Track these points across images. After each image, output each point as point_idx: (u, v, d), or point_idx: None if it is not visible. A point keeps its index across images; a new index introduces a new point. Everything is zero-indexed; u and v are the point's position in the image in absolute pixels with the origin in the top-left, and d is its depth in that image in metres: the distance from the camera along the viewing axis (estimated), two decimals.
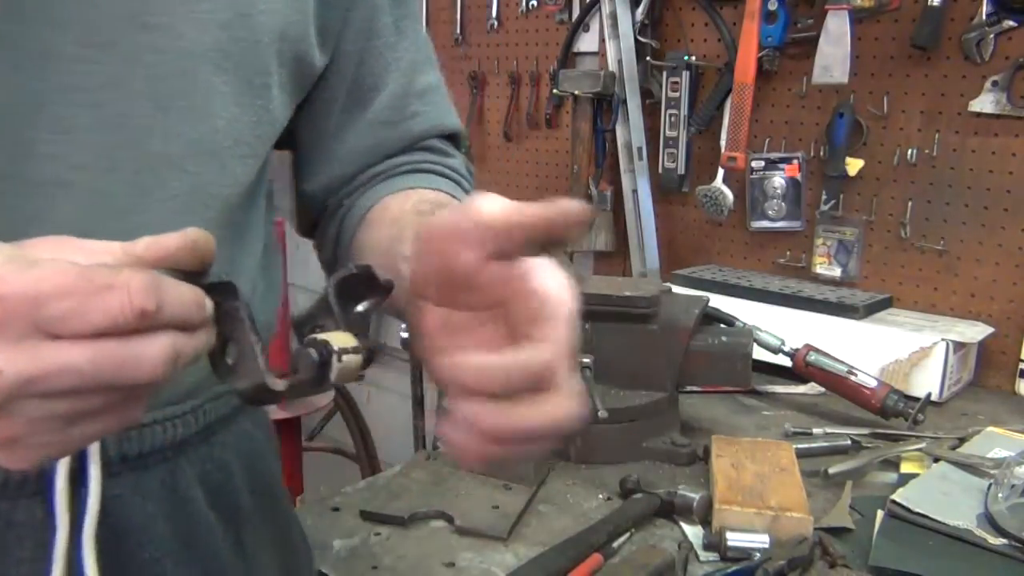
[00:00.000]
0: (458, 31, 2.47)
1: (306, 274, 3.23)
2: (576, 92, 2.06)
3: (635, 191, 2.07)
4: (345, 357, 0.49)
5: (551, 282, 0.48)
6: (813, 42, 1.73)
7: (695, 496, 1.08)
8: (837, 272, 1.84)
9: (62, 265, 0.39)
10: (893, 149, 1.74)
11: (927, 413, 1.35)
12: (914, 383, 1.52)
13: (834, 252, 1.84)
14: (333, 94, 0.77)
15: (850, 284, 1.82)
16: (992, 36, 1.58)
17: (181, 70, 0.61)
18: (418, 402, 1.62)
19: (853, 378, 1.39)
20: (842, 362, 1.41)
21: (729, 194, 1.93)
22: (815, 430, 1.38)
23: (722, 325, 1.38)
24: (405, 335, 1.41)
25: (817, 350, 1.43)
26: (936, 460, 1.20)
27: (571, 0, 2.20)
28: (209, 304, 0.44)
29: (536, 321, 0.47)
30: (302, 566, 0.87)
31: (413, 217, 0.68)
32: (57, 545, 0.59)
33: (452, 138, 0.84)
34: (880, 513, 1.07)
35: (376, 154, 0.79)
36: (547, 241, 0.47)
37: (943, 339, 1.52)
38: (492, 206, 0.47)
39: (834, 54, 1.68)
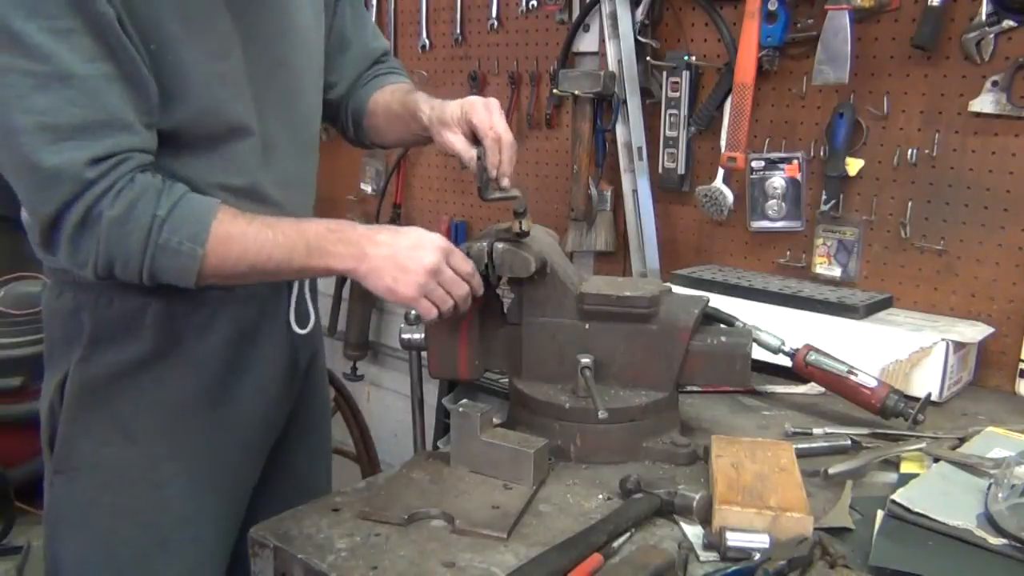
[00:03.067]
0: (458, 31, 2.47)
1: None
2: (576, 92, 2.06)
3: (635, 191, 2.06)
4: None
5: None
6: (813, 42, 1.73)
7: (695, 496, 1.08)
8: (837, 272, 1.84)
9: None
10: (893, 149, 1.74)
11: (927, 413, 1.35)
12: (914, 383, 1.52)
13: (834, 252, 1.84)
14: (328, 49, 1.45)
15: (850, 284, 1.82)
16: (992, 36, 1.58)
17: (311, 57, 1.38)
18: (418, 402, 1.63)
19: (853, 378, 1.39)
20: (842, 362, 1.41)
21: (729, 194, 1.93)
22: (815, 430, 1.38)
23: (722, 325, 1.38)
24: (405, 336, 1.41)
25: (817, 350, 1.43)
26: (936, 460, 1.20)
27: (571, 0, 2.20)
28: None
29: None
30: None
31: (411, 95, 1.42)
32: (295, 287, 1.37)
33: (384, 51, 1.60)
34: (880, 513, 1.07)
35: (363, 66, 1.54)
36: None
37: (943, 339, 1.52)
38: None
39: (834, 54, 1.68)
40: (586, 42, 2.17)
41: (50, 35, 1.01)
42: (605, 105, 2.09)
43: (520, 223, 1.26)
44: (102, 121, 1.05)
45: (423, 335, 1.38)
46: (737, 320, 1.39)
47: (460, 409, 1.21)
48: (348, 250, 1.17)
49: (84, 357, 1.23)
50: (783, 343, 1.44)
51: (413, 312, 1.42)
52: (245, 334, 1.30)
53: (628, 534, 1.05)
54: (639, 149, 2.05)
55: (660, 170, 2.05)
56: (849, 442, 1.30)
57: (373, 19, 2.67)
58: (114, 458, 1.25)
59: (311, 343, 1.46)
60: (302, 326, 1.37)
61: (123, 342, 1.23)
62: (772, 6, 1.75)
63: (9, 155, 1.06)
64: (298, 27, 1.31)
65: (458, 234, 2.59)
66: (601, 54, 2.11)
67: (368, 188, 2.83)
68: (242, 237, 1.13)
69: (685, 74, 1.96)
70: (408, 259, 1.17)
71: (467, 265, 1.22)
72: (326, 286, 3.07)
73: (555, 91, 2.18)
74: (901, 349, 1.54)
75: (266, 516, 1.12)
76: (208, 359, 1.27)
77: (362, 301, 2.88)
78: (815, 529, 1.02)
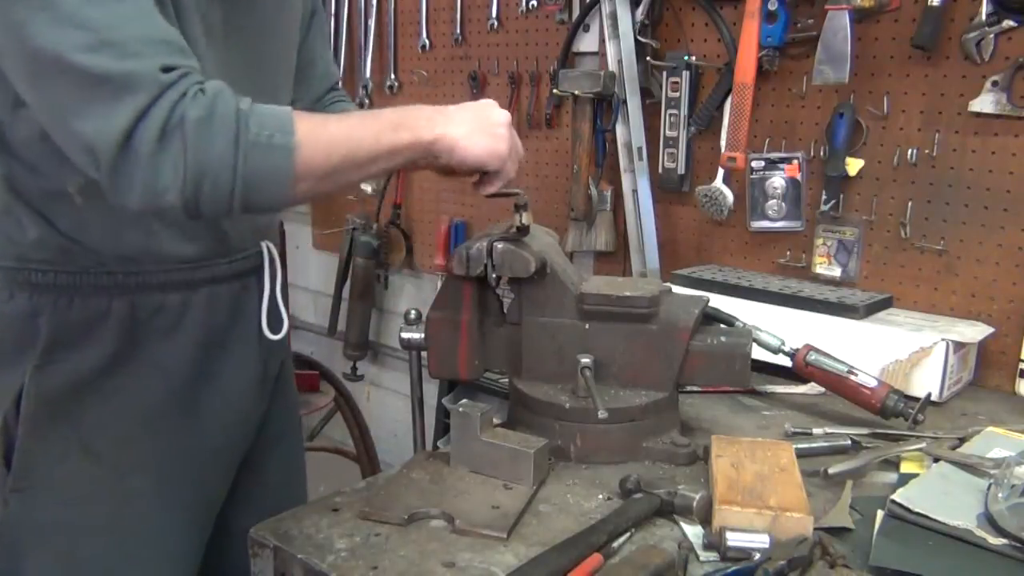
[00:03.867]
0: (458, 31, 2.47)
1: (307, 275, 3.24)
2: (576, 92, 2.06)
3: (635, 191, 2.07)
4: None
5: None
6: (813, 42, 1.73)
7: (695, 496, 1.08)
8: (837, 272, 1.84)
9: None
10: (893, 149, 1.74)
11: (927, 413, 1.35)
12: (914, 383, 1.52)
13: (834, 252, 1.84)
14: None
15: (850, 284, 1.82)
16: (992, 36, 1.58)
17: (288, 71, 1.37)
18: (418, 402, 1.63)
19: (853, 378, 1.39)
20: (842, 362, 1.41)
21: (729, 194, 1.93)
22: (815, 430, 1.38)
23: (722, 325, 1.38)
24: (405, 336, 1.41)
25: (817, 350, 1.43)
26: (936, 460, 1.20)
27: (571, 0, 2.20)
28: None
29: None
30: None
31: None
32: (265, 291, 1.31)
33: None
34: (880, 513, 1.07)
35: (323, 88, 1.51)
36: None
37: (943, 339, 1.52)
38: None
39: (834, 54, 1.68)
40: (586, 42, 2.17)
41: None
42: (605, 105, 2.09)
43: (521, 216, 1.27)
44: (161, 39, 0.97)
45: (423, 335, 1.38)
46: (737, 320, 1.40)
47: (460, 409, 1.21)
48: (431, 121, 1.11)
49: (40, 366, 1.15)
50: (783, 343, 1.44)
51: (413, 312, 1.42)
52: (214, 339, 1.25)
53: (628, 534, 1.05)
54: (639, 149, 2.05)
55: (660, 170, 2.05)
56: (849, 442, 1.30)
57: (373, 19, 2.68)
58: (77, 475, 1.18)
59: (282, 349, 1.41)
60: (275, 331, 1.32)
61: (84, 347, 1.16)
62: (772, 6, 1.75)
63: (60, 80, 0.94)
64: (279, 30, 1.29)
65: (458, 234, 2.59)
66: (601, 54, 2.11)
67: (368, 188, 2.82)
68: (325, 126, 1.05)
69: (685, 74, 1.96)
70: (490, 119, 1.16)
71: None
72: (326, 286, 3.07)
73: (555, 91, 2.19)
74: (901, 349, 1.54)
75: (239, 526, 1.09)
76: (175, 365, 1.22)
77: (362, 301, 2.89)
78: (815, 529, 1.02)
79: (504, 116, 1.17)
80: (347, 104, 1.54)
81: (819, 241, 1.86)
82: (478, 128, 1.14)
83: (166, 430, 1.23)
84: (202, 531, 1.32)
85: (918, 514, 1.04)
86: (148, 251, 1.17)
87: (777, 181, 1.89)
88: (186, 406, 1.24)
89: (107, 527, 1.20)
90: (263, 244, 1.31)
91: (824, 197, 1.81)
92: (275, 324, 1.32)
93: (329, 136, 1.03)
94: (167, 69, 0.95)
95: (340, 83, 1.58)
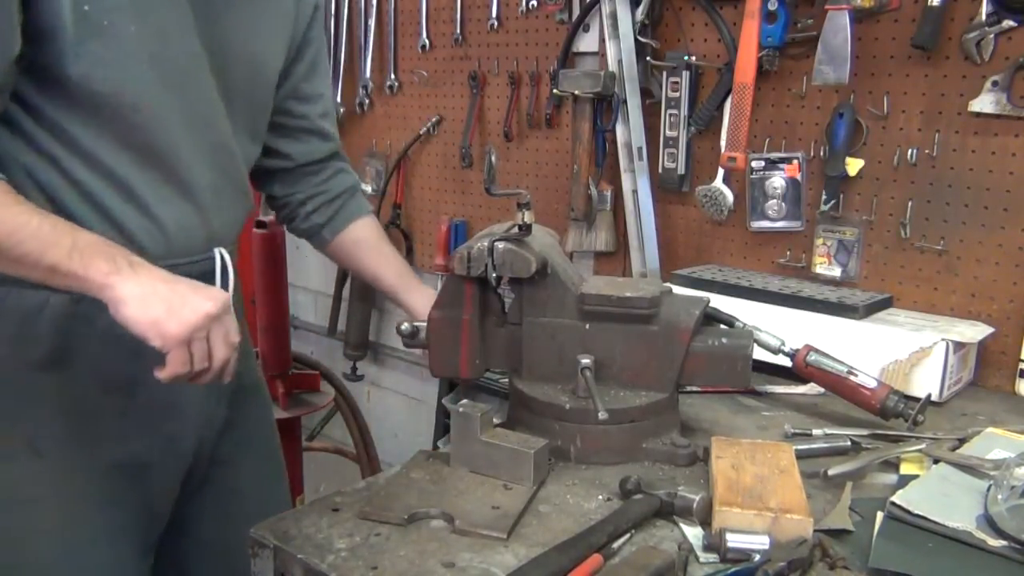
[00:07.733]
0: (458, 31, 2.47)
1: (307, 275, 3.23)
2: (576, 92, 2.06)
3: (635, 191, 2.06)
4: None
5: None
6: (813, 42, 1.73)
7: (695, 497, 1.08)
8: (837, 272, 1.84)
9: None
10: (893, 149, 1.74)
11: (927, 413, 1.35)
12: (914, 383, 1.52)
13: (834, 252, 1.84)
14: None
15: (850, 284, 1.82)
16: (992, 36, 1.58)
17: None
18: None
19: (853, 378, 1.39)
20: (842, 362, 1.41)
21: (729, 194, 1.93)
22: (815, 431, 1.38)
23: (722, 326, 1.38)
24: (405, 328, 1.40)
25: (817, 350, 1.42)
26: (936, 461, 1.20)
27: (571, 0, 2.19)
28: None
29: None
30: None
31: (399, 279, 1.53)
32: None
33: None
34: (880, 514, 1.07)
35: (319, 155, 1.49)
36: None
37: (943, 339, 1.52)
38: None
39: (834, 54, 1.68)
40: (586, 42, 2.17)
41: None
42: (605, 105, 2.09)
43: (523, 214, 1.28)
44: None
45: (424, 333, 1.38)
46: (737, 320, 1.39)
47: (460, 409, 1.21)
48: (116, 265, 1.02)
49: None
50: (783, 343, 1.44)
51: (405, 325, 1.42)
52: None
53: (628, 535, 1.05)
54: (639, 149, 2.05)
55: (660, 170, 2.05)
56: (849, 443, 1.30)
57: (373, 19, 2.68)
58: (20, 475, 1.16)
59: (241, 358, 1.31)
60: None
61: (14, 343, 1.13)
62: (772, 6, 1.75)
63: None
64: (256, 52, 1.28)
65: (458, 234, 2.59)
66: (601, 54, 2.11)
67: (368, 188, 2.83)
68: None
69: (685, 74, 1.96)
70: (188, 295, 1.04)
71: (237, 335, 1.10)
72: (326, 286, 3.07)
73: (555, 91, 2.18)
74: (901, 349, 1.54)
75: (207, 532, 1.13)
76: (115, 368, 1.18)
77: (362, 301, 2.89)
78: (815, 531, 1.02)
79: (208, 306, 1.04)
80: (347, 176, 1.53)
81: (819, 241, 1.86)
82: (168, 296, 1.02)
83: (110, 433, 1.20)
84: (150, 536, 1.28)
85: (918, 516, 1.04)
86: None
87: (777, 181, 1.88)
88: (130, 411, 1.21)
89: (55, 530, 1.17)
90: (216, 251, 1.24)
91: (824, 197, 1.81)
92: None
93: None
94: None
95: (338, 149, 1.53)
